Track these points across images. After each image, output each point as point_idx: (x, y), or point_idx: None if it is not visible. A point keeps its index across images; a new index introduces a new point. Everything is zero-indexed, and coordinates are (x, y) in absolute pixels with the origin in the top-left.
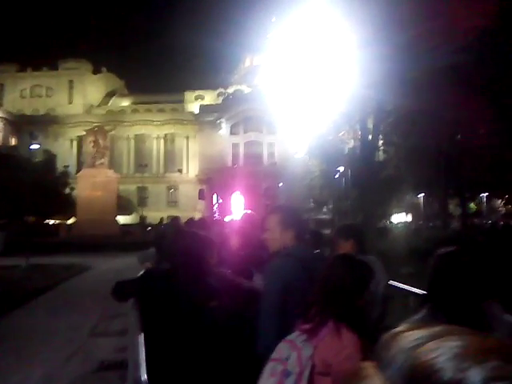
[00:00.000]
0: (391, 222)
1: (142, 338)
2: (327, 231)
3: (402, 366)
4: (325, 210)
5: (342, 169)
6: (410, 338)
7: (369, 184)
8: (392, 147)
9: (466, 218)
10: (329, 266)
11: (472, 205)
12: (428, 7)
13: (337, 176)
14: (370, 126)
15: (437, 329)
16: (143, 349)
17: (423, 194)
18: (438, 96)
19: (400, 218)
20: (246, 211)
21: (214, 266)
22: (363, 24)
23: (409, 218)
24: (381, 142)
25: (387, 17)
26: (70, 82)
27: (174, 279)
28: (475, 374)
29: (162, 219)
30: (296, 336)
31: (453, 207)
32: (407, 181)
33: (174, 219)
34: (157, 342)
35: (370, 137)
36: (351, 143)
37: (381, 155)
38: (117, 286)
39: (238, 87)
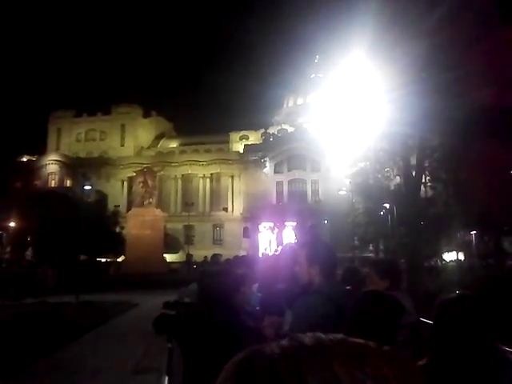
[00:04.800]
0: (443, 261)
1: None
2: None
3: None
4: (371, 247)
5: (387, 206)
6: None
7: (416, 221)
8: (439, 183)
9: None
10: (357, 302)
11: None
12: (469, 49)
13: (382, 213)
14: (414, 162)
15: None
16: None
17: (475, 232)
18: (482, 134)
19: (452, 256)
20: (283, 245)
21: (246, 302)
22: (406, 64)
23: (461, 256)
24: (427, 178)
25: (429, 58)
26: (122, 125)
27: (207, 317)
28: None
29: (206, 257)
30: None
31: (507, 245)
32: (458, 218)
33: (214, 257)
34: (193, 377)
35: (414, 173)
36: (396, 180)
37: (428, 191)
38: (158, 319)
39: (282, 127)
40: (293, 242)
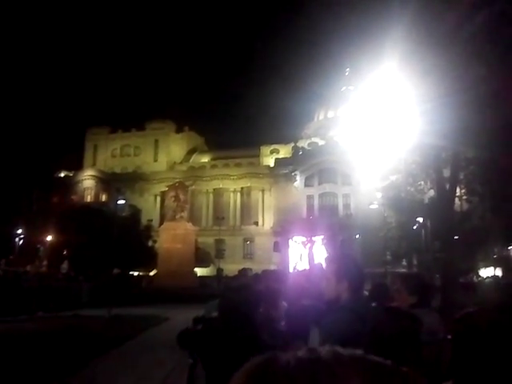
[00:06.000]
0: (479, 277)
1: None
2: None
3: None
4: (404, 262)
5: (420, 220)
6: None
7: (450, 235)
8: (475, 196)
9: None
10: (375, 318)
11: None
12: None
13: (415, 227)
14: (448, 174)
15: None
16: None
17: None
18: None
19: (489, 272)
20: (313, 262)
21: (270, 319)
22: (439, 75)
23: (498, 272)
24: (463, 191)
25: (463, 69)
26: (156, 141)
27: (224, 332)
28: None
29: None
30: None
31: None
32: (495, 232)
33: (242, 271)
34: None
35: (448, 186)
36: (430, 193)
37: (464, 205)
38: (181, 334)
39: (312, 140)
40: (323, 257)
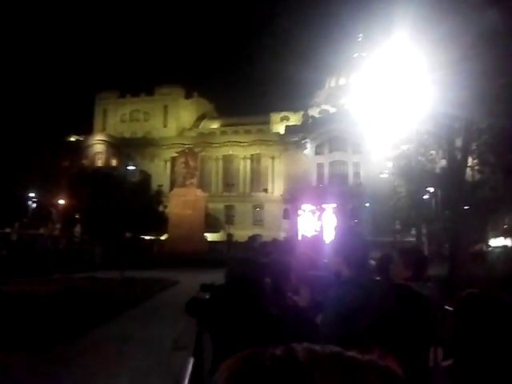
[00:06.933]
0: (489, 246)
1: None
2: None
3: None
4: (413, 232)
5: (431, 189)
6: None
7: (461, 205)
8: (487, 167)
9: None
10: (382, 295)
11: None
12: None
13: (426, 197)
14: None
15: None
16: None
17: None
18: None
19: (499, 242)
20: (312, 233)
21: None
22: (452, 42)
23: (508, 242)
24: (475, 161)
25: (477, 35)
26: (165, 106)
27: (230, 302)
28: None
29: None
30: None
31: None
32: (506, 202)
33: (253, 237)
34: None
35: (460, 156)
36: (441, 163)
37: (475, 175)
38: (190, 303)
39: (323, 108)
40: (333, 225)
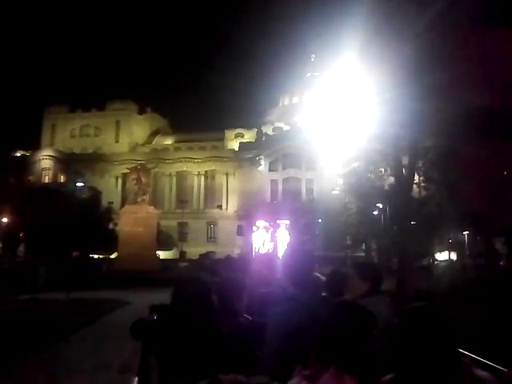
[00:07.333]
0: (435, 261)
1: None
2: None
3: None
4: (363, 247)
5: (380, 206)
6: None
7: (407, 221)
8: (432, 184)
9: None
10: (330, 313)
11: None
12: (461, 50)
13: (375, 213)
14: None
15: None
16: None
17: (468, 232)
18: (475, 135)
19: (444, 256)
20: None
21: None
22: (396, 66)
23: (453, 256)
24: (421, 178)
25: (419, 60)
26: (117, 122)
27: (174, 324)
28: None
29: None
30: (296, 382)
31: (499, 245)
32: (450, 218)
33: (206, 254)
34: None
35: (406, 173)
36: (390, 180)
37: (422, 192)
38: (135, 325)
39: (277, 125)
40: (286, 242)
